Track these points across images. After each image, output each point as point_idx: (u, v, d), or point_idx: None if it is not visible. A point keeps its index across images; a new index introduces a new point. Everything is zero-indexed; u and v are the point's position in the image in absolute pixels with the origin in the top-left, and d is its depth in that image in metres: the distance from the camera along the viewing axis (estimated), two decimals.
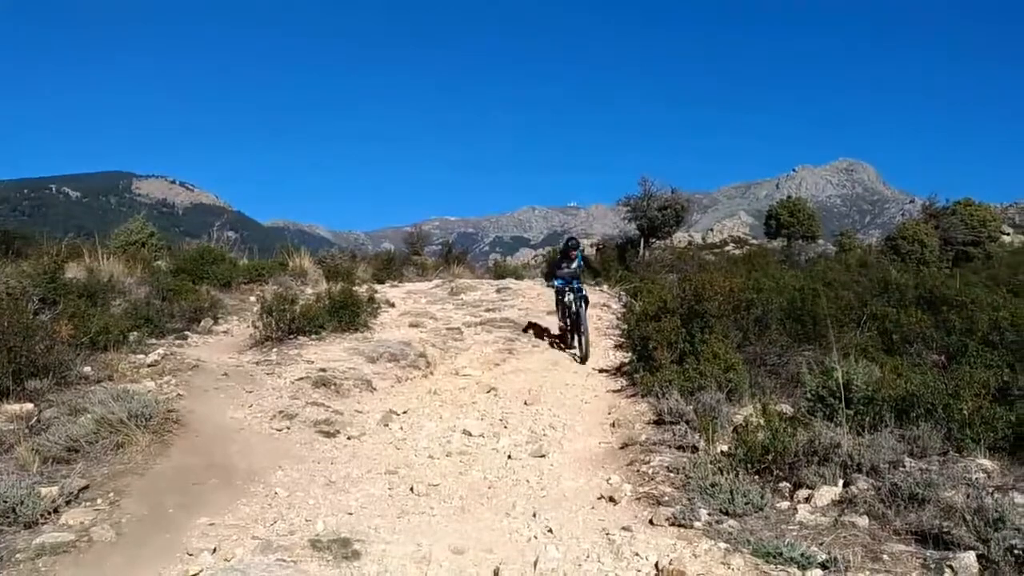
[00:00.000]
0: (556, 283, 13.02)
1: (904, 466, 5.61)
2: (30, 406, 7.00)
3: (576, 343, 12.20)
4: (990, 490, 5.07)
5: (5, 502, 4.62)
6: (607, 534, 4.96)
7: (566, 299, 12.54)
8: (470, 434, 7.70)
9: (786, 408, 7.23)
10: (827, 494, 5.25)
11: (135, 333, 10.53)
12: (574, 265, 12.91)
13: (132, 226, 20.23)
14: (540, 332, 13.43)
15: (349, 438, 7.48)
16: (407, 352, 11.18)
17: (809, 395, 7.13)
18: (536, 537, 5.01)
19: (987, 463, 5.82)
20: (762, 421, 6.11)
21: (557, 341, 13.00)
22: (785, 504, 5.27)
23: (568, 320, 12.64)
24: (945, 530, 4.49)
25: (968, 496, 4.83)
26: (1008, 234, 38.33)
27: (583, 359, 11.52)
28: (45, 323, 8.95)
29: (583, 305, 12.13)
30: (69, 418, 6.58)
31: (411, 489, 5.97)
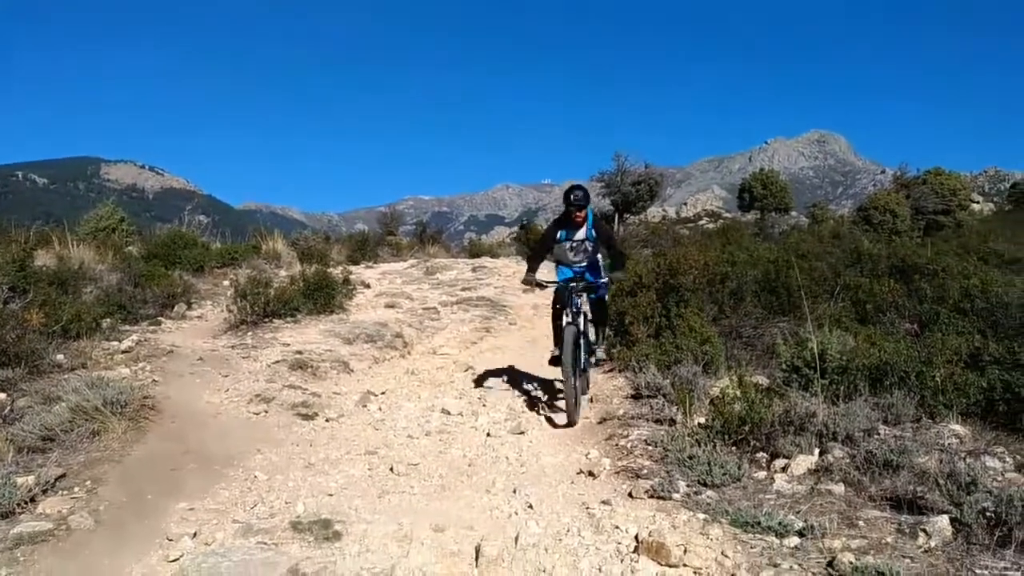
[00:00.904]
0: (557, 277, 7.84)
1: (879, 434, 5.70)
2: (2, 396, 6.91)
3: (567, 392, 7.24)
4: (962, 455, 5.18)
5: None
6: (587, 508, 4.99)
7: (567, 316, 7.38)
8: (449, 413, 7.69)
9: (762, 379, 7.29)
10: (803, 463, 5.31)
11: (108, 320, 10.42)
12: (580, 235, 7.62)
13: (102, 212, 20.01)
14: (517, 311, 13.45)
15: (327, 420, 7.44)
16: (383, 333, 11.15)
17: (784, 366, 7.20)
18: (517, 513, 5.03)
19: (959, 428, 5.92)
20: (738, 393, 6.16)
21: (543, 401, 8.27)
22: (762, 474, 5.33)
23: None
24: (919, 495, 4.57)
25: (941, 461, 4.92)
26: (978, 202, 38.84)
27: (569, 422, 7.15)
28: (15, 312, 8.84)
29: (588, 326, 7.78)
30: (43, 407, 6.50)
31: (391, 469, 5.96)
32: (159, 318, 11.50)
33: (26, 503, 4.72)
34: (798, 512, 4.55)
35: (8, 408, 6.64)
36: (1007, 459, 5.26)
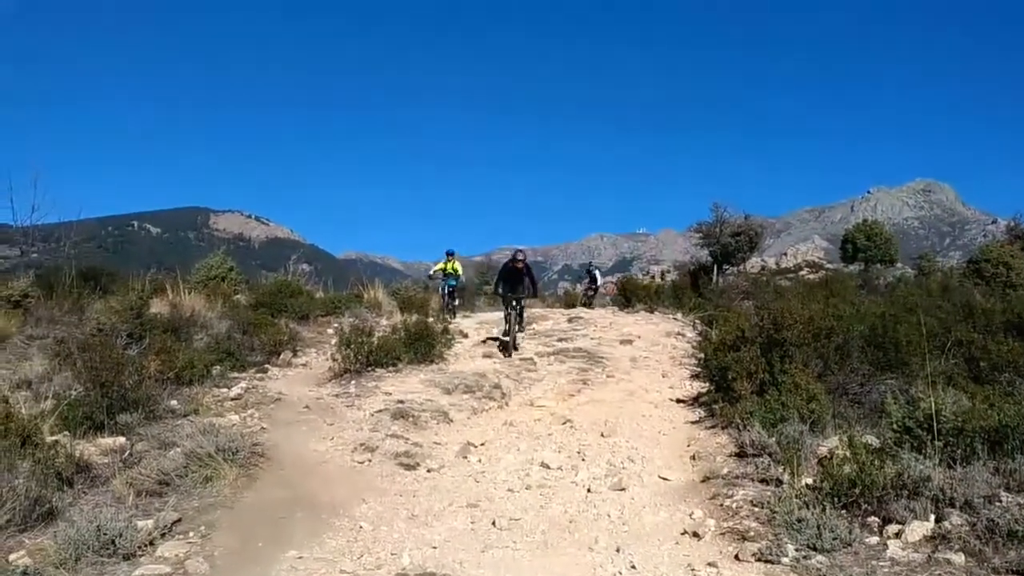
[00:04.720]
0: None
1: (1000, 501, 5.42)
2: (122, 440, 7.25)
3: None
4: None
5: (105, 534, 4.79)
6: (692, 570, 4.91)
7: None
8: (548, 467, 7.68)
9: (872, 439, 7.05)
10: (918, 529, 5.11)
11: (218, 367, 10.83)
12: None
13: (212, 261, 20.88)
14: (615, 363, 13.36)
15: (429, 471, 7.54)
16: (482, 383, 11.25)
17: (895, 426, 6.95)
18: (620, 573, 4.98)
19: None
20: (848, 453, 5.98)
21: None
22: (874, 539, 5.14)
23: None
24: None
25: None
26: None
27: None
28: (133, 358, 9.27)
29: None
30: (159, 452, 6.81)
31: (493, 523, 5.98)
32: (266, 365, 11.87)
33: (146, 546, 4.94)
34: None
35: (128, 452, 6.95)
36: None
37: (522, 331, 15.80)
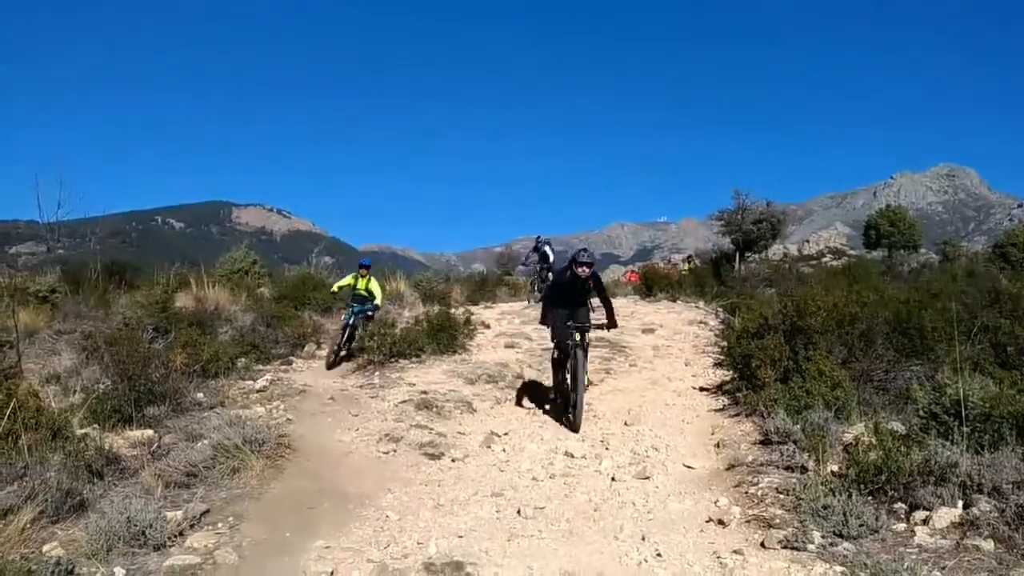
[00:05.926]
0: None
1: None
2: (150, 432, 7.33)
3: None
4: None
5: (136, 525, 4.86)
6: (718, 558, 4.90)
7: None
8: (572, 456, 7.69)
9: (897, 426, 7.01)
10: (946, 516, 5.07)
11: (243, 360, 10.91)
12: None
13: (235, 255, 21.02)
14: (637, 352, 13.34)
15: (453, 460, 7.57)
16: (505, 373, 11.28)
17: (921, 412, 6.90)
18: (646, 560, 4.98)
19: None
20: (874, 440, 5.95)
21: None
22: (901, 526, 5.11)
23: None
24: None
25: None
26: None
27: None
28: (160, 352, 9.36)
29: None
30: (187, 444, 6.89)
31: (518, 512, 5.99)
32: (290, 357, 11.96)
33: (175, 537, 5.00)
34: (943, 568, 4.35)
35: (156, 444, 7.03)
36: None
37: (587, 387, 9.58)
